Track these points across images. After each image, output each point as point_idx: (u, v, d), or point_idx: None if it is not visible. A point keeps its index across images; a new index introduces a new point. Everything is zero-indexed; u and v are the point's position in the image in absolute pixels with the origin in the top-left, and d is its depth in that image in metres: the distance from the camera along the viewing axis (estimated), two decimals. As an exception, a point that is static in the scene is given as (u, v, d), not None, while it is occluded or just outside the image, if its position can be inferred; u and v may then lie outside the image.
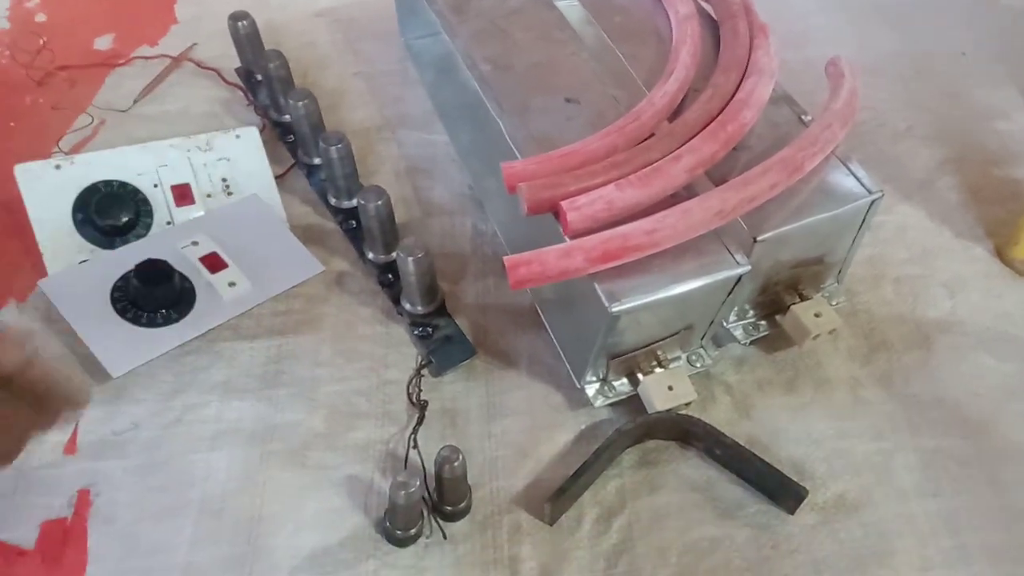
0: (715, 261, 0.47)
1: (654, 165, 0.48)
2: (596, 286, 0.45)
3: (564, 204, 0.46)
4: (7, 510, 0.46)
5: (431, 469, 0.47)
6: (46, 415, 0.51)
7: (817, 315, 0.53)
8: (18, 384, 0.52)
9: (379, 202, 0.53)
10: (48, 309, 0.55)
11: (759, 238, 0.48)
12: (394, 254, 0.56)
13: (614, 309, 0.45)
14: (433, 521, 0.48)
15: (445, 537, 0.47)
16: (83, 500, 0.48)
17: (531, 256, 0.45)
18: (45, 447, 0.49)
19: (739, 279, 0.47)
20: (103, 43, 0.77)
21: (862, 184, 0.51)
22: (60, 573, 0.45)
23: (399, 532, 0.46)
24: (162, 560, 0.46)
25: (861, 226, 0.52)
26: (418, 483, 0.44)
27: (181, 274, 0.54)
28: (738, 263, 0.47)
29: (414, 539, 0.47)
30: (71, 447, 0.50)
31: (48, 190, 0.56)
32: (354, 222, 0.61)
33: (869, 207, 0.51)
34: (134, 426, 0.51)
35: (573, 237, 0.46)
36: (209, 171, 0.60)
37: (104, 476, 0.49)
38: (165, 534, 0.47)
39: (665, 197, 0.48)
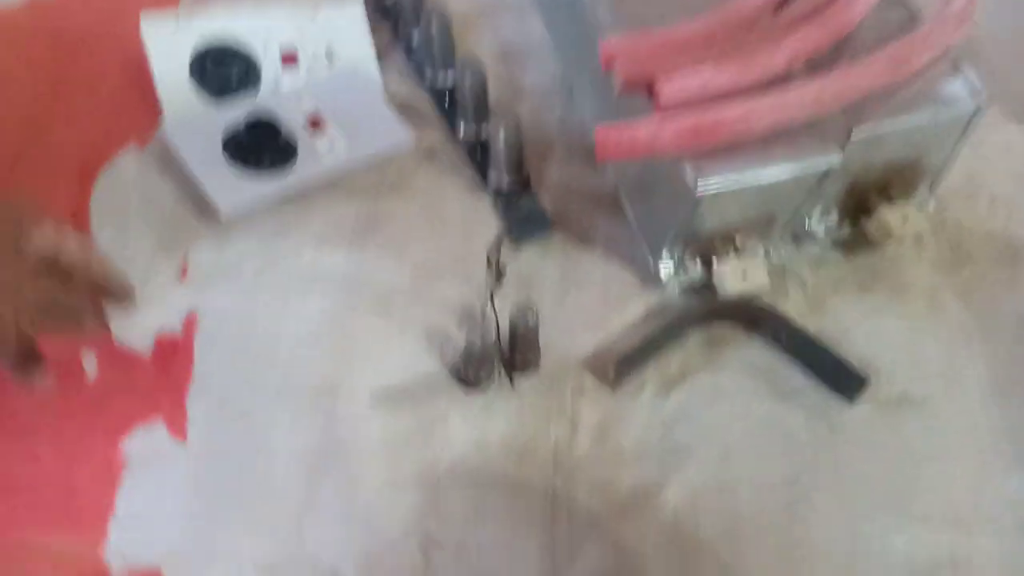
0: (807, 150, 0.47)
1: (755, 49, 0.48)
2: (684, 164, 0.46)
3: (660, 80, 0.47)
4: (129, 322, 0.52)
5: (505, 327, 0.50)
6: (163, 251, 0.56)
7: (904, 219, 0.53)
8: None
9: (475, 74, 0.55)
10: (163, 155, 0.59)
11: (855, 132, 0.48)
12: (485, 128, 0.58)
13: (700, 189, 0.46)
14: (503, 372, 0.51)
15: (512, 386, 0.50)
16: (191, 322, 0.53)
17: (622, 127, 0.46)
18: (161, 272, 0.55)
19: (828, 171, 0.47)
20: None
21: (971, 89, 0.49)
22: (168, 380, 0.50)
23: (471, 377, 0.50)
24: (258, 379, 0.51)
25: (964, 133, 0.51)
26: (493, 330, 0.47)
27: (285, 131, 0.57)
28: (830, 154, 0.47)
29: (484, 387, 0.50)
30: (182, 275, 0.55)
31: (168, 42, 0.60)
32: (448, 99, 0.63)
33: (975, 113, 0.49)
34: (238, 264, 0.55)
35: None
36: (315, 40, 0.63)
37: (210, 303, 0.54)
38: (262, 356, 0.51)
39: (762, 84, 0.48)
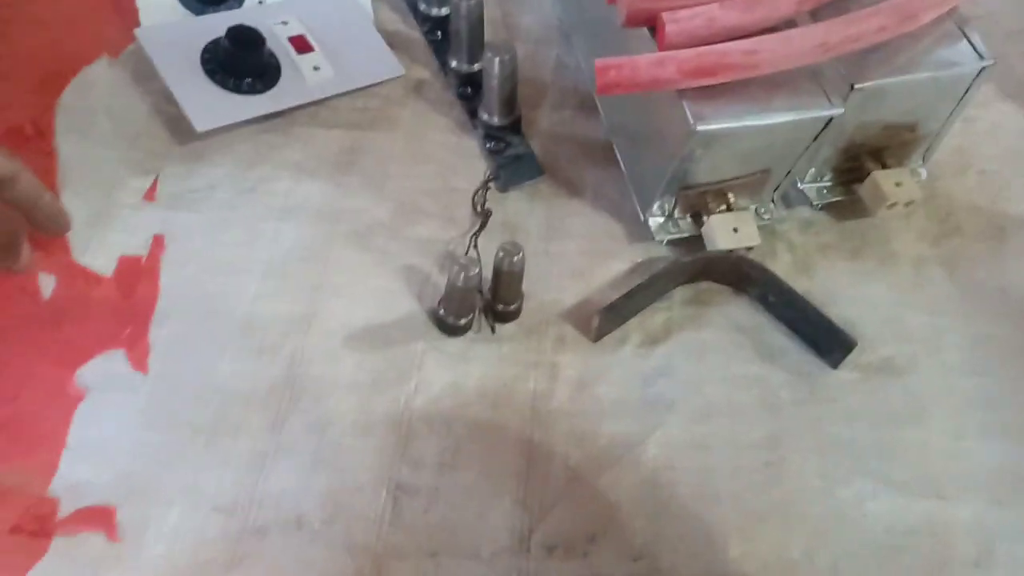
0: (809, 100, 0.46)
1: (763, -8, 0.46)
2: (684, 103, 0.45)
3: (664, 16, 0.45)
4: (90, 240, 0.49)
5: (488, 272, 0.48)
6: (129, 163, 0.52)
7: (898, 184, 0.52)
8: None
9: (472, 1, 0.52)
10: (138, 66, 0.56)
11: (857, 85, 0.46)
12: (476, 65, 0.56)
13: (699, 127, 0.44)
14: (484, 318, 0.49)
15: (494, 331, 0.49)
16: (158, 243, 0.50)
17: (623, 60, 0.44)
18: (128, 191, 0.52)
19: (829, 122, 0.46)
20: None
21: (975, 50, 0.48)
22: (132, 302, 0.48)
23: (451, 320, 0.48)
24: (227, 305, 0.48)
25: (965, 95, 0.50)
26: (477, 270, 0.45)
27: (269, 48, 0.54)
28: (832, 105, 0.46)
29: (464, 330, 0.49)
30: (151, 195, 0.52)
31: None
32: (440, 32, 0.60)
33: (978, 74, 0.48)
34: (210, 187, 0.53)
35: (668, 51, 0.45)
36: (304, -41, 0.60)
37: (179, 226, 0.51)
38: (232, 285, 0.49)
39: (766, 27, 0.46)
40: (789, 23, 0.47)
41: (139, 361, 0.46)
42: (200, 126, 0.51)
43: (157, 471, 0.43)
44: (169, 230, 0.51)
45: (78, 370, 0.45)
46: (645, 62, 0.44)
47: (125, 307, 0.48)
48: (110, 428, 0.43)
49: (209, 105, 0.52)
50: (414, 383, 0.47)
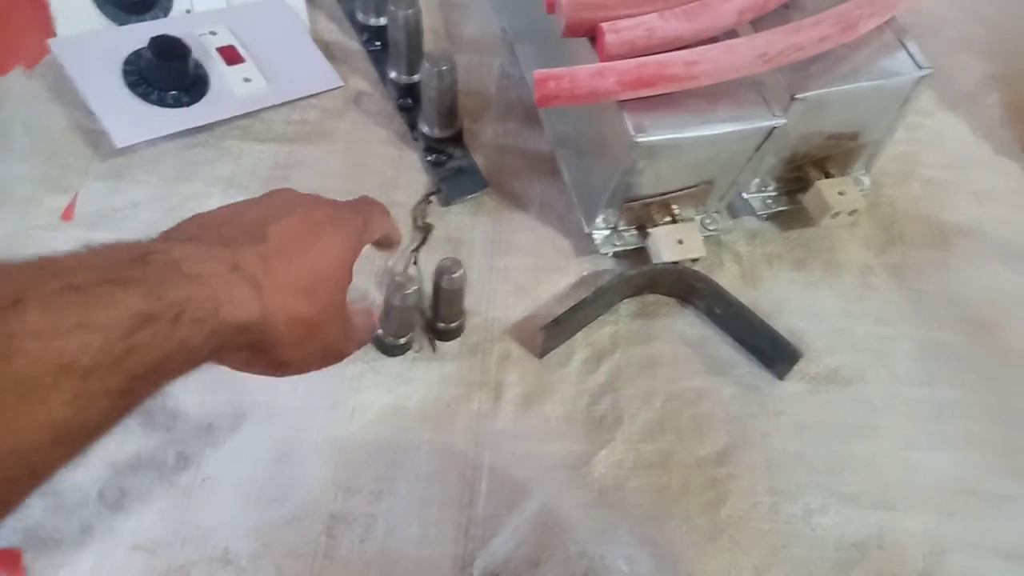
0: (751, 110, 0.45)
1: (703, 1, 0.45)
2: (624, 115, 0.44)
3: (604, 26, 0.44)
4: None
5: (428, 287, 0.46)
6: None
7: (841, 193, 0.51)
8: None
9: (409, 11, 0.51)
10: (56, 79, 0.53)
11: (798, 96, 0.46)
12: (416, 76, 0.54)
13: (639, 139, 0.43)
14: (425, 336, 0.47)
15: (434, 350, 0.47)
16: (76, 266, 0.47)
17: (562, 72, 0.43)
18: (43, 209, 0.49)
19: (771, 132, 0.46)
20: None
21: (914, 60, 0.48)
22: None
23: (389, 339, 0.46)
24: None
25: (904, 104, 0.50)
26: (415, 288, 0.43)
27: (196, 59, 0.52)
28: (774, 115, 0.45)
29: (403, 350, 0.47)
30: (68, 214, 0.49)
31: (65, -45, 0.53)
32: (379, 43, 0.58)
33: (916, 83, 0.48)
34: (134, 205, 0.50)
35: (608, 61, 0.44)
36: (236, -33, 0.58)
37: (99, 247, 0.48)
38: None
39: (707, 38, 0.46)
40: (731, 33, 0.47)
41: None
42: (120, 141, 0.49)
43: (69, 509, 0.40)
44: (89, 250, 0.48)
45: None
46: (584, 73, 0.42)
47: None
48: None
49: (131, 119, 0.49)
50: (350, 407, 0.45)
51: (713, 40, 0.45)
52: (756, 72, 0.45)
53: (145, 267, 0.27)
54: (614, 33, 0.43)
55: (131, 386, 0.26)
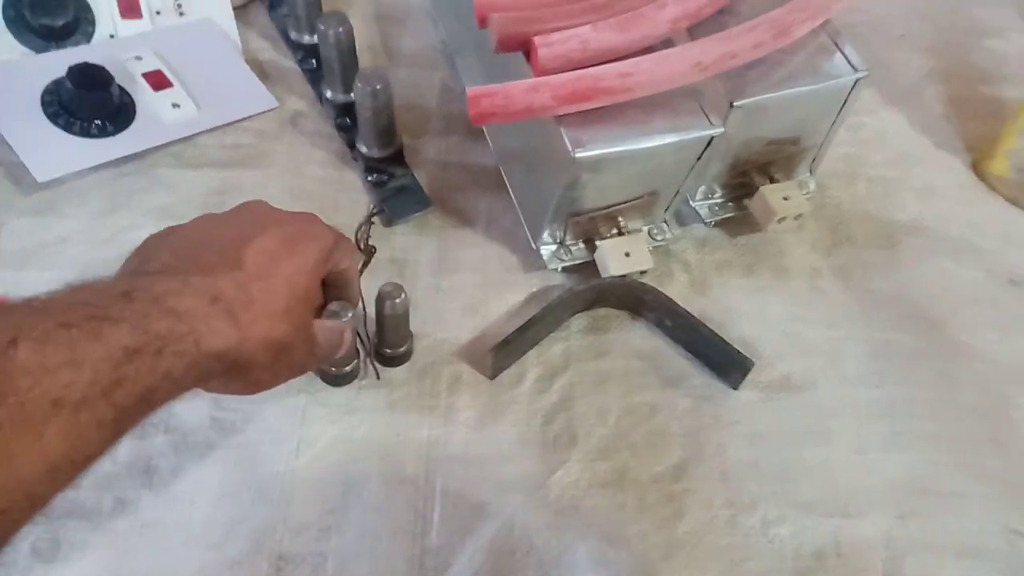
0: (689, 120, 0.45)
1: (637, 11, 0.45)
2: (561, 130, 0.43)
3: (536, 39, 0.43)
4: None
5: (371, 311, 0.45)
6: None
7: (785, 198, 0.51)
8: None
9: (340, 29, 0.49)
10: (-29, 112, 0.51)
11: (736, 103, 0.46)
12: (352, 94, 0.53)
13: (578, 154, 0.42)
14: (369, 363, 0.46)
15: (379, 378, 0.46)
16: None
17: (496, 88, 0.42)
18: (-38, 250, 0.47)
19: (710, 142, 0.45)
20: None
21: (849, 62, 0.48)
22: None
23: (333, 369, 0.45)
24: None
25: (843, 107, 0.50)
26: (350, 314, 0.41)
27: (120, 86, 0.50)
28: (712, 124, 0.45)
29: (348, 379, 0.45)
30: (-10, 254, 0.47)
31: (-23, -19, 0.51)
32: (314, 61, 0.57)
33: (854, 85, 0.48)
34: (62, 240, 0.48)
35: (543, 76, 0.43)
36: (162, -12, 0.56)
37: (26, 286, 0.46)
38: (86, 349, 0.44)
39: (643, 48, 0.45)
40: (667, 42, 0.46)
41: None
42: (41, 176, 0.47)
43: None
44: (15, 291, 0.46)
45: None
46: (518, 89, 0.42)
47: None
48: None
49: (52, 151, 0.47)
50: (295, 441, 0.43)
51: (650, 50, 0.45)
52: (692, 81, 0.44)
53: (129, 303, 0.29)
54: (547, 47, 0.43)
55: (120, 416, 0.27)
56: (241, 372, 0.33)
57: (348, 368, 0.45)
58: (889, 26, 0.70)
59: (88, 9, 0.53)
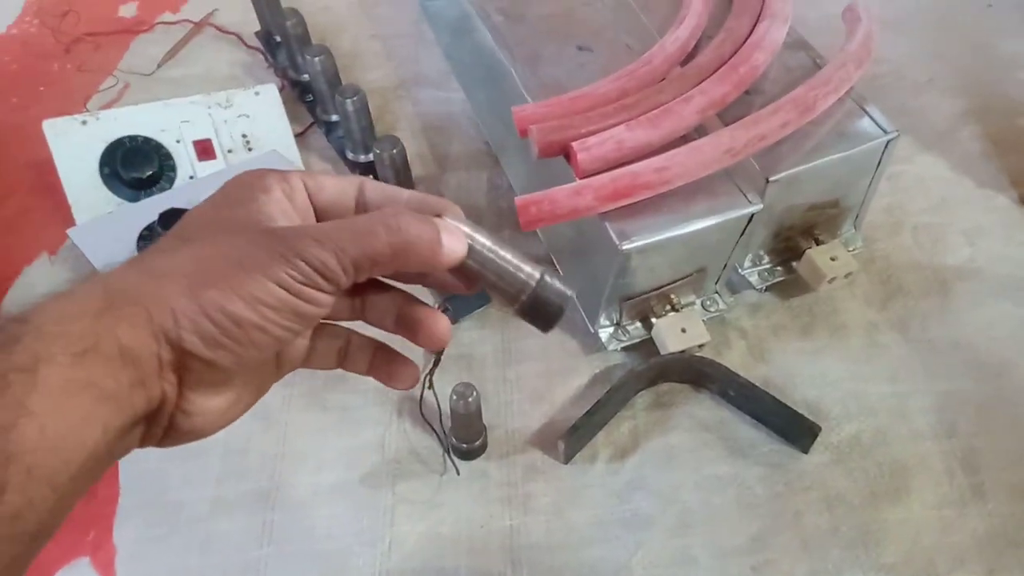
0: (727, 201, 0.47)
1: (665, 106, 0.48)
2: (607, 225, 0.46)
3: (574, 145, 0.46)
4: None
5: (446, 409, 0.48)
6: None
7: (833, 259, 0.53)
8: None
9: (394, 151, 0.54)
10: (77, 262, 0.56)
11: (771, 178, 0.48)
12: (410, 205, 0.57)
13: (624, 247, 0.45)
14: (447, 458, 0.49)
15: (458, 473, 0.48)
16: (113, 438, 0.49)
17: (541, 196, 0.45)
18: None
19: (751, 219, 0.47)
20: (127, 11, 0.79)
21: (878, 125, 0.50)
22: (92, 505, 0.47)
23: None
24: (191, 494, 0.47)
25: (877, 168, 0.52)
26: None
27: (203, 224, 0.55)
28: (750, 203, 0.47)
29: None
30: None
31: (75, 145, 0.57)
32: (372, 176, 0.61)
33: (885, 147, 0.50)
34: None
35: (584, 178, 0.46)
36: (230, 127, 0.62)
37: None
38: (193, 470, 0.48)
39: (676, 138, 0.48)
40: (700, 129, 0.49)
41: (105, 567, 0.45)
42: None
43: None
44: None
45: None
46: (563, 194, 0.45)
47: (85, 511, 0.47)
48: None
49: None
50: (387, 541, 0.46)
51: (684, 139, 0.48)
52: (725, 166, 0.47)
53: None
54: (585, 152, 0.46)
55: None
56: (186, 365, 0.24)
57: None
58: (914, 72, 0.72)
59: (170, 157, 0.59)
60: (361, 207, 0.30)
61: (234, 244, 0.25)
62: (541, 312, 0.31)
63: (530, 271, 0.30)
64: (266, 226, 0.26)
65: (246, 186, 0.27)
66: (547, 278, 0.30)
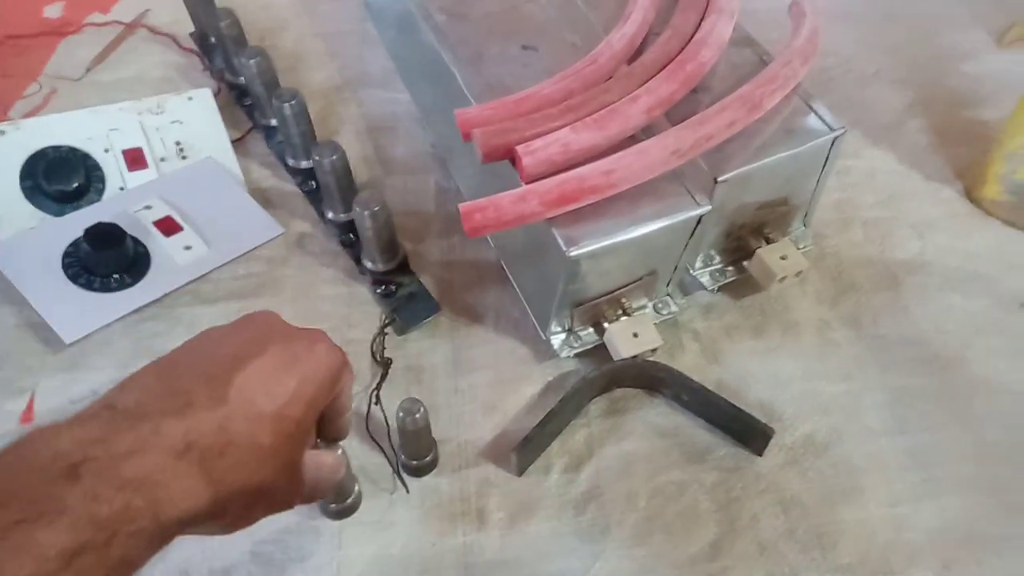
0: (675, 203, 0.46)
1: (611, 107, 0.47)
2: (554, 231, 0.45)
3: (519, 149, 0.45)
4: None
5: (395, 425, 0.46)
6: None
7: (783, 258, 0.52)
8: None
9: (334, 157, 0.52)
10: None
11: (720, 178, 0.47)
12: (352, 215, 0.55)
13: (572, 253, 0.44)
14: (397, 476, 0.47)
15: (408, 491, 0.47)
16: (41, 468, 0.47)
17: (486, 202, 0.44)
18: (2, 417, 0.49)
19: (700, 220, 0.47)
20: (53, 11, 0.75)
21: (824, 122, 0.50)
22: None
23: (332, 505, 0.45)
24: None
25: (825, 165, 0.51)
26: (340, 450, 0.39)
27: (134, 238, 0.52)
28: (698, 204, 0.46)
29: (349, 512, 0.45)
30: (28, 416, 0.49)
31: (-7, 158, 0.54)
32: (313, 183, 0.59)
33: (832, 144, 0.50)
34: (93, 393, 0.50)
35: (530, 182, 0.45)
36: (162, 135, 0.59)
37: (62, 444, 0.48)
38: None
39: (623, 140, 0.47)
40: (647, 129, 0.48)
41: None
42: (68, 337, 0.49)
43: None
44: (52, 449, 0.47)
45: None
46: (508, 200, 0.43)
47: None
48: None
49: (75, 312, 0.50)
50: (335, 566, 0.44)
51: (631, 139, 0.47)
52: (673, 167, 0.46)
53: (75, 484, 0.25)
54: (530, 155, 0.44)
55: None
56: (212, 520, 0.30)
57: (349, 500, 0.45)
58: (861, 64, 0.72)
59: (98, 167, 0.56)
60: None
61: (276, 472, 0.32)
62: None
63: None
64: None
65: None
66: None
